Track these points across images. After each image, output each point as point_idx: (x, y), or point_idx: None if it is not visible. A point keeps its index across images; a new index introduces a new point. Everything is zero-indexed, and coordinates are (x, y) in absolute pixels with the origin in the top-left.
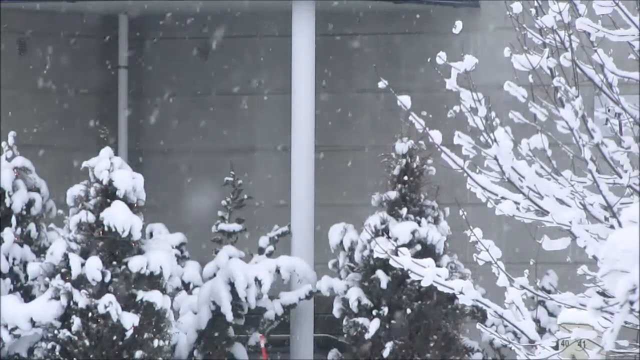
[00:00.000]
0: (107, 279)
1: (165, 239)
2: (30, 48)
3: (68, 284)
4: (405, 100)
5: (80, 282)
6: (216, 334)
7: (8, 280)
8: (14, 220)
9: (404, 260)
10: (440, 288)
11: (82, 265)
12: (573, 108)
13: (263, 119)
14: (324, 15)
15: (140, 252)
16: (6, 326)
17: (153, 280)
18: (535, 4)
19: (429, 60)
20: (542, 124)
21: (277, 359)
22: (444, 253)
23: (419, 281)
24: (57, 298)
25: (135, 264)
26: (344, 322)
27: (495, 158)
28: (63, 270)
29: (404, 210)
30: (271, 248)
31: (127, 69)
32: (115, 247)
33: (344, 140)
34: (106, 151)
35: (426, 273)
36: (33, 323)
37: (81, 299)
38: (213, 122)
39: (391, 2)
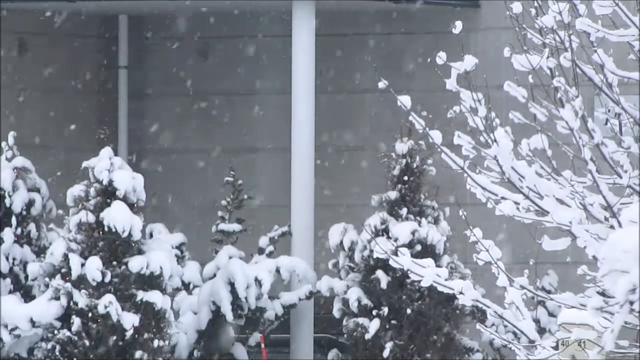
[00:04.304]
0: (107, 279)
1: (165, 239)
2: (30, 48)
3: (68, 284)
4: (405, 100)
5: (80, 282)
6: (216, 334)
7: (8, 280)
8: (14, 220)
9: (404, 260)
10: (440, 288)
11: (82, 265)
12: (573, 108)
13: (263, 119)
14: (324, 15)
15: (140, 252)
16: (6, 326)
17: (153, 280)
18: (535, 4)
19: (429, 60)
20: (542, 124)
21: (277, 359)
22: (444, 253)
23: (419, 281)
24: (57, 298)
25: (135, 264)
26: (344, 322)
27: (495, 158)
28: (63, 270)
29: (404, 211)
30: (271, 248)
31: (127, 69)
32: (115, 247)
33: (344, 140)
34: (106, 151)
35: (426, 273)
36: (33, 323)
37: (81, 299)
38: (213, 122)
39: (391, 2)
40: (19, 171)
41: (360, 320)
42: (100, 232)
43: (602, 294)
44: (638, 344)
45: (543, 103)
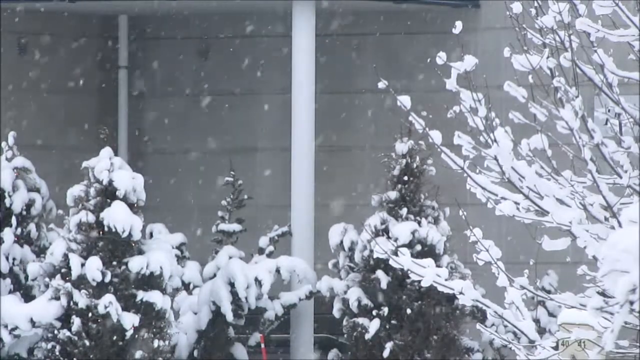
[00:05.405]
0: (107, 279)
1: (165, 239)
2: (30, 48)
3: (68, 284)
4: (405, 100)
5: (80, 282)
6: (216, 334)
7: (8, 280)
8: (14, 220)
9: (404, 260)
10: (440, 288)
11: (82, 265)
12: (573, 108)
13: (263, 119)
14: (324, 15)
15: (140, 252)
16: (6, 326)
17: (153, 280)
18: (535, 4)
19: (429, 60)
20: (542, 124)
21: (277, 359)
22: (444, 253)
23: (419, 281)
24: (57, 298)
25: (135, 264)
26: (344, 322)
27: (495, 158)
28: (63, 270)
29: (404, 211)
30: (271, 248)
31: (127, 69)
32: (115, 247)
33: (344, 140)
34: (106, 151)
35: (426, 273)
36: (33, 323)
37: (81, 299)
38: (213, 122)
39: (391, 2)
40: (19, 171)
41: (360, 320)
42: (100, 232)
43: (602, 294)
44: (638, 344)
45: (543, 103)
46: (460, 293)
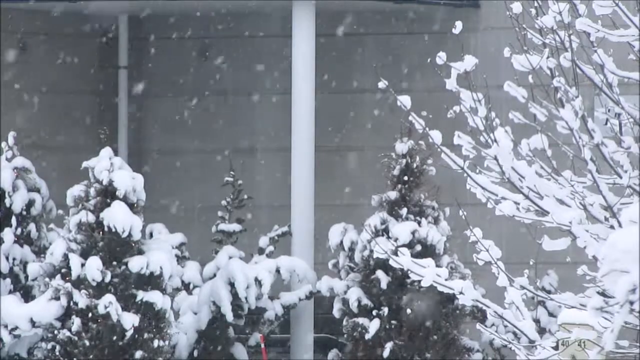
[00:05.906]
0: (107, 279)
1: (165, 239)
2: (30, 48)
3: (68, 284)
4: (405, 100)
5: (80, 282)
6: (216, 334)
7: (8, 280)
8: (14, 220)
9: (404, 260)
10: (440, 288)
11: (82, 265)
12: (573, 108)
13: (263, 119)
14: (324, 15)
15: (140, 252)
16: (6, 326)
17: (153, 280)
18: (535, 4)
19: (429, 60)
20: (542, 124)
21: (277, 359)
22: (444, 253)
23: (419, 281)
24: (57, 298)
25: (135, 264)
26: (344, 322)
27: (495, 158)
28: (63, 270)
29: (404, 211)
30: (271, 248)
31: (127, 69)
32: (115, 247)
33: (344, 140)
34: (106, 151)
35: (426, 273)
36: (33, 323)
37: (81, 299)
38: (213, 122)
39: (391, 2)
40: (19, 171)
41: (360, 320)
42: (100, 232)
43: (602, 294)
44: (638, 344)
45: (543, 103)
46: (460, 293)
